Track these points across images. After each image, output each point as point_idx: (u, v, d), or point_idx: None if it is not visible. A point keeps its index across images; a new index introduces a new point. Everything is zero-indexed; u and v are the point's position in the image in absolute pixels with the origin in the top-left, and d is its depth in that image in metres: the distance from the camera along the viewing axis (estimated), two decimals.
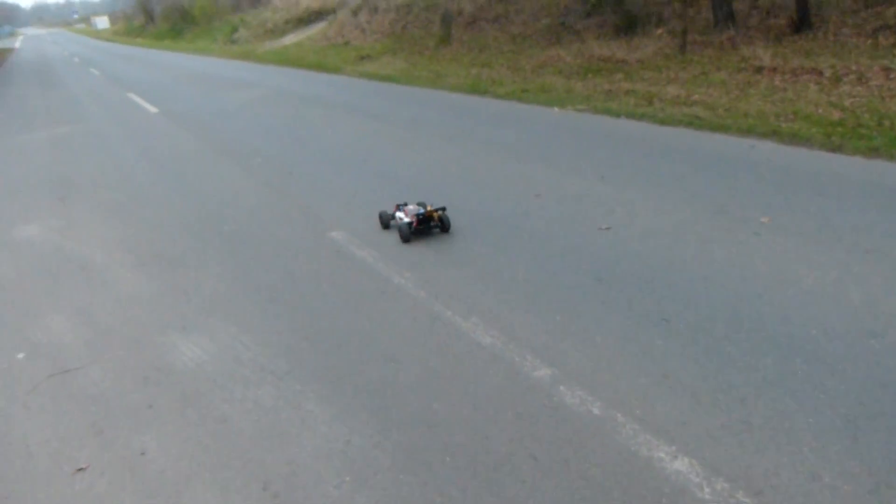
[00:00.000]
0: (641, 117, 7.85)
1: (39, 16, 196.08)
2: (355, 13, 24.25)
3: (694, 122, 7.30)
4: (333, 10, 27.22)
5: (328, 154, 7.71)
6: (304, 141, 8.47)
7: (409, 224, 4.93)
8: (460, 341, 3.53)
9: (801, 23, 11.19)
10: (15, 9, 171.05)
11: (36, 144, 10.56)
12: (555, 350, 3.35)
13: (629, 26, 13.79)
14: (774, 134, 6.58)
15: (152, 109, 12.87)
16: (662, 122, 7.53)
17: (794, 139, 6.36)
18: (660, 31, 13.12)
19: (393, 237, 5.03)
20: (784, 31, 11.28)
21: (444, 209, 5.06)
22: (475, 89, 11.05)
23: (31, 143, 10.75)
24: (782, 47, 10.32)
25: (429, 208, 5.02)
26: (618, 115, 8.12)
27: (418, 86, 12.41)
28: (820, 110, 7.10)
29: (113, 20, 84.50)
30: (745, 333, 3.31)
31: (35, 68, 30.93)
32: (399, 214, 5.08)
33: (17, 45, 67.56)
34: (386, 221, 5.23)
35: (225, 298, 4.37)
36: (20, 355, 3.97)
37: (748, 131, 6.80)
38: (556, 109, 8.79)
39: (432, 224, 5.02)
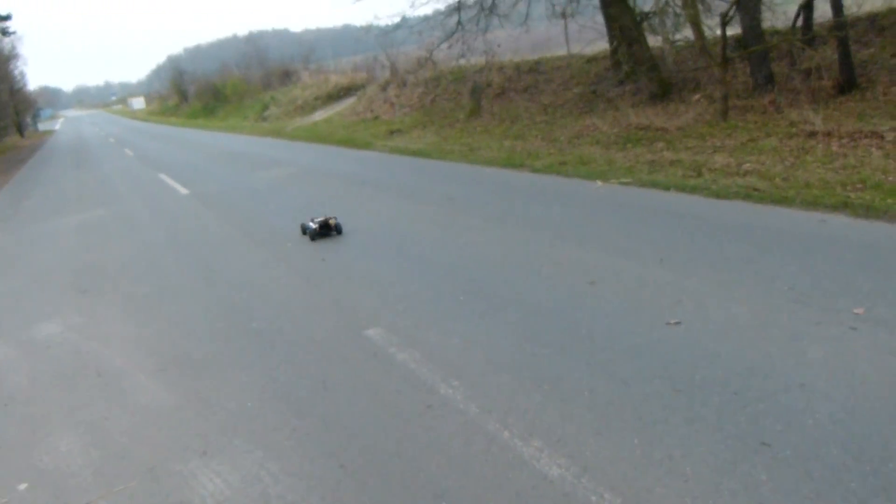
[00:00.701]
0: (693, 190, 7.36)
1: (80, 98, 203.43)
2: (384, 88, 24.40)
3: (752, 195, 6.79)
4: (362, 86, 27.51)
5: (361, 238, 7.33)
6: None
7: (315, 229, 7.37)
8: (523, 472, 3.00)
9: (848, 84, 10.75)
10: (57, 92, 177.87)
11: (64, 230, 10.38)
12: (638, 486, 2.80)
13: (664, 93, 13.49)
14: (845, 206, 6.04)
15: (182, 191, 12.72)
16: (717, 195, 7.03)
17: (870, 212, 5.81)
18: (697, 96, 12.78)
19: (436, 332, 4.56)
20: (829, 92, 10.83)
21: (336, 218, 7.52)
22: (510, 163, 10.69)
23: (59, 228, 10.59)
24: (831, 109, 9.86)
25: (327, 218, 7.45)
26: (667, 187, 7.64)
27: (451, 160, 12.09)
28: (890, 178, 6.55)
29: (148, 100, 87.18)
30: (868, 464, 2.74)
31: (72, 149, 31.60)
32: (310, 224, 7.43)
33: (58, 126, 70.05)
34: (304, 229, 7.62)
35: (251, 413, 3.90)
36: (22, 486, 3.52)
37: (814, 203, 6.27)
38: (598, 183, 8.35)
39: (330, 228, 7.44)
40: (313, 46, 51.63)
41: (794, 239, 5.50)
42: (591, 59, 17.34)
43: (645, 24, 14.78)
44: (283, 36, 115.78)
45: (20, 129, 53.76)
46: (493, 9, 17.06)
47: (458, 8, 17.15)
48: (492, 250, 6.31)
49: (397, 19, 18.43)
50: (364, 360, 4.35)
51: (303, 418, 3.75)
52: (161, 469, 3.47)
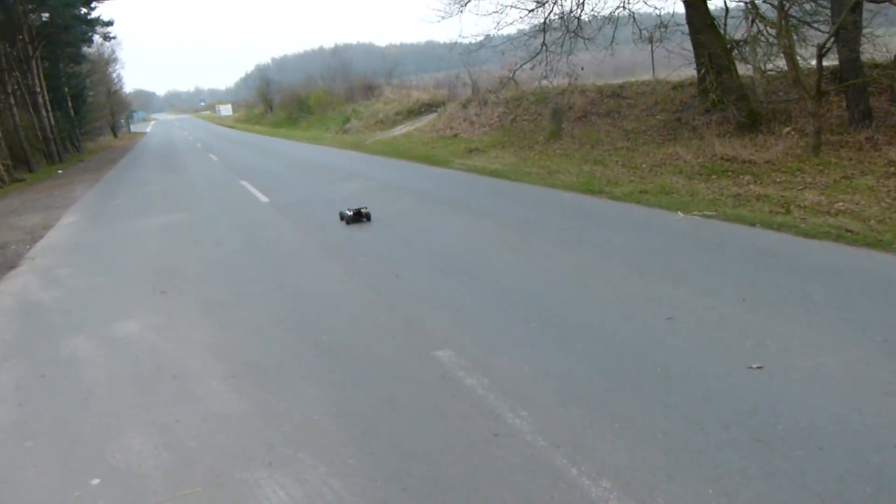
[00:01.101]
0: (780, 227, 7.07)
1: (171, 103, 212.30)
2: (465, 106, 24.53)
3: (844, 236, 6.47)
4: (443, 103, 27.72)
5: (436, 256, 7.32)
6: (411, 240, 8.15)
7: (350, 215, 9.32)
8: None
9: None
10: (151, 96, 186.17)
11: (147, 231, 10.77)
12: None
13: (753, 124, 13.07)
14: None
15: (263, 199, 13.03)
16: (806, 234, 6.73)
17: None
18: (787, 129, 12.34)
19: (506, 359, 4.48)
20: None
21: (366, 208, 9.56)
22: (589, 188, 10.53)
23: (143, 229, 10.99)
24: None
25: (359, 208, 9.48)
26: (752, 223, 7.36)
27: (528, 182, 12.00)
28: None
29: (235, 108, 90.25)
30: None
31: (160, 152, 32.92)
32: (347, 211, 9.42)
33: (149, 129, 73.21)
34: (341, 216, 9.57)
35: (317, 427, 3.91)
36: (95, 481, 3.62)
37: None
38: (679, 214, 8.13)
39: (362, 216, 9.39)
40: (397, 61, 52.41)
41: (890, 286, 5.21)
42: (677, 86, 17.01)
43: (735, 53, 14.40)
44: (367, 50, 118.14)
45: (114, 130, 56.41)
46: (578, 31, 16.94)
47: (543, 29, 17.10)
48: (566, 277, 6.20)
49: (481, 38, 18.34)
50: (432, 382, 4.31)
51: (368, 437, 3.74)
52: (227, 476, 3.50)
